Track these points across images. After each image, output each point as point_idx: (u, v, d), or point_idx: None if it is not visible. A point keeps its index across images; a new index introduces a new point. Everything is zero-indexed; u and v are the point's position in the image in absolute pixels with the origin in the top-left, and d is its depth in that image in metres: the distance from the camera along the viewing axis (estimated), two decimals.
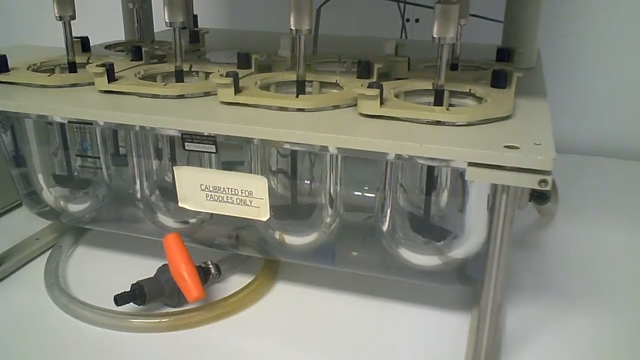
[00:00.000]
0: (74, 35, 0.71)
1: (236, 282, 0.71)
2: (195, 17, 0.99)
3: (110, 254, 0.78)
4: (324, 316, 0.66)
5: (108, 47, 0.86)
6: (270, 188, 0.62)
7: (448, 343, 0.61)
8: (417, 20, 1.09)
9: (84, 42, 0.79)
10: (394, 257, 0.63)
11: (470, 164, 0.49)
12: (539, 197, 0.75)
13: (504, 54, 0.72)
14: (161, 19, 0.64)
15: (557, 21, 1.07)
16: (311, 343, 0.62)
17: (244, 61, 0.69)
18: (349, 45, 0.87)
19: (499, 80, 0.61)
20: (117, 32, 0.93)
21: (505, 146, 0.48)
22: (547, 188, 0.47)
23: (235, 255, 0.74)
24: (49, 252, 0.77)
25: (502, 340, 0.61)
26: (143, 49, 0.73)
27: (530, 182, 0.47)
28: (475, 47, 0.78)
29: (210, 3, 1.20)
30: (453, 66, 0.70)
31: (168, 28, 0.64)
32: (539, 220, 0.86)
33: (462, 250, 0.60)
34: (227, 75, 0.59)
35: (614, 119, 1.12)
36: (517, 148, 0.48)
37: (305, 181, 0.65)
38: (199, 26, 0.95)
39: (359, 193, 0.71)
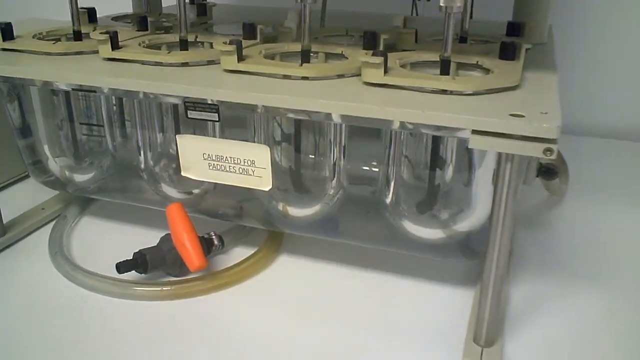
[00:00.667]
0: (80, 6, 0.71)
1: (239, 254, 0.70)
2: None
3: (115, 224, 0.78)
4: (327, 289, 0.66)
5: (115, 18, 0.85)
6: (273, 159, 0.61)
7: (451, 317, 0.60)
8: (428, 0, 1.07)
9: (91, 13, 0.79)
10: (397, 230, 0.62)
11: (474, 132, 0.48)
12: (546, 172, 0.74)
13: (514, 28, 0.70)
14: None
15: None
16: (313, 315, 0.62)
17: (249, 31, 0.68)
18: (357, 21, 0.86)
19: (507, 53, 0.60)
20: (125, 6, 0.93)
21: (511, 114, 0.47)
22: (553, 157, 0.46)
23: (239, 227, 0.74)
24: (54, 222, 0.77)
25: (506, 314, 0.60)
26: (149, 19, 0.72)
27: (535, 150, 0.46)
28: (486, 24, 0.77)
29: None
30: (462, 40, 0.69)
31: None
32: (548, 200, 0.85)
33: (466, 223, 0.60)
34: (231, 43, 0.59)
35: (628, 102, 1.10)
36: (523, 116, 0.47)
37: (309, 154, 0.64)
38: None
39: (366, 167, 0.70)
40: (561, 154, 0.84)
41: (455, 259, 0.66)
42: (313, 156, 0.64)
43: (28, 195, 0.83)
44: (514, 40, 0.61)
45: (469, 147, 0.48)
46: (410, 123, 0.53)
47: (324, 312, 0.62)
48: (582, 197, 0.86)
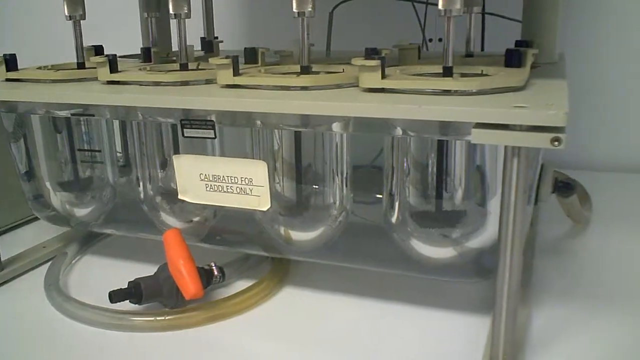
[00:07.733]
0: (89, 44, 0.72)
1: (241, 286, 0.66)
2: (216, 38, 1.00)
3: (116, 261, 0.75)
4: (333, 320, 0.61)
5: (122, 57, 0.86)
6: (271, 178, 0.59)
7: (465, 347, 0.55)
8: (440, 40, 1.07)
9: (98, 50, 0.79)
10: (405, 251, 0.59)
11: (477, 125, 0.45)
12: (563, 187, 0.69)
13: (520, 44, 0.68)
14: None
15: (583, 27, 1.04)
16: (317, 348, 0.57)
17: (250, 55, 0.67)
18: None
19: (513, 59, 0.58)
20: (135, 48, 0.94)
21: (515, 106, 0.45)
22: (561, 147, 0.43)
23: (241, 260, 0.70)
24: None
25: (527, 340, 0.55)
26: (152, 50, 0.73)
27: (542, 141, 0.43)
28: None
29: (232, 26, 1.22)
30: (468, 56, 0.67)
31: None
32: (572, 229, 0.80)
33: (478, 240, 0.56)
34: (227, 57, 0.58)
35: None
36: (526, 107, 0.44)
37: (310, 174, 0.62)
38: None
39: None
40: (581, 185, 0.80)
41: (468, 278, 0.61)
42: (314, 175, 0.61)
43: (32, 236, 0.82)
44: (520, 48, 0.59)
45: (471, 141, 0.45)
46: (412, 129, 0.51)
47: (329, 345, 0.57)
48: (605, 228, 0.81)
